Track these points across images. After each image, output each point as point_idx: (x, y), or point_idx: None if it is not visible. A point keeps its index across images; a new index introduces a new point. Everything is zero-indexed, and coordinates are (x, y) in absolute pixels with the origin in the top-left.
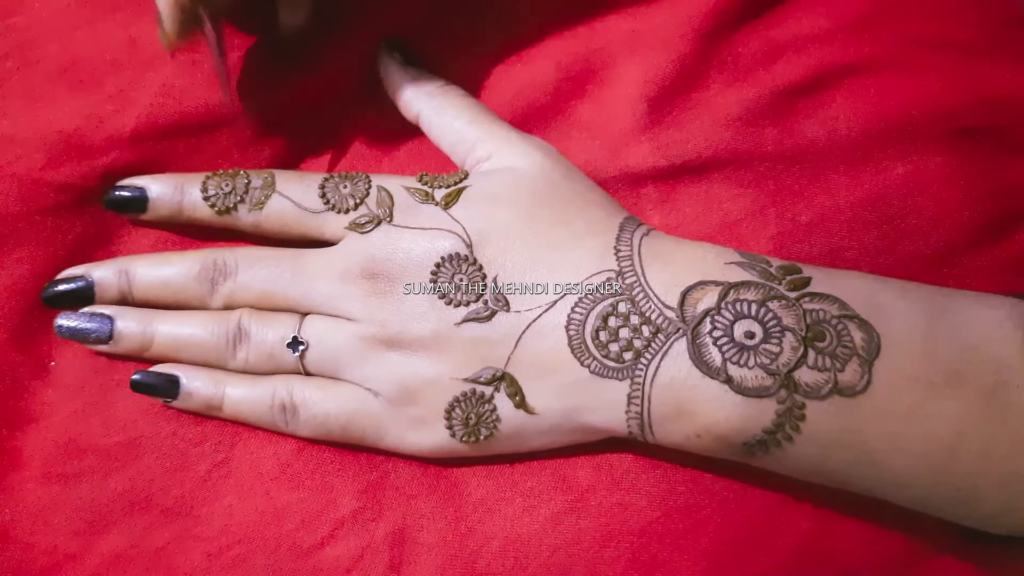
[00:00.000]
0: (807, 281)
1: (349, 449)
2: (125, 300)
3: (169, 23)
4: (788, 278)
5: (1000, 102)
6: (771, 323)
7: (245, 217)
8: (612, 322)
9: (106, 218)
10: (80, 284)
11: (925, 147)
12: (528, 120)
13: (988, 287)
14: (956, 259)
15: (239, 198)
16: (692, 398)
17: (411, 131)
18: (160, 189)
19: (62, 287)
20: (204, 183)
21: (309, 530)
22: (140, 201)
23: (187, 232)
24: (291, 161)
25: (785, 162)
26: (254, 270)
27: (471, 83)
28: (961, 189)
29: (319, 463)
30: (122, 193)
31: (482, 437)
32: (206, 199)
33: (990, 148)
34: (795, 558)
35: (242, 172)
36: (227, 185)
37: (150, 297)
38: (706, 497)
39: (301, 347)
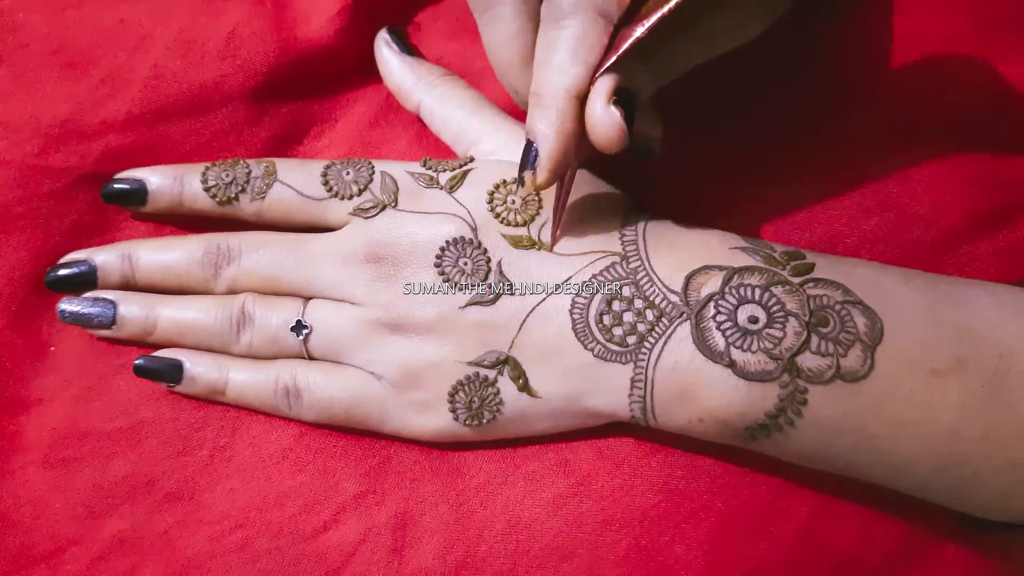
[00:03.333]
0: (811, 267)
1: (351, 434)
2: (128, 284)
3: (546, 172)
4: (792, 264)
5: (997, 97)
6: (775, 308)
7: (247, 207)
8: (616, 306)
9: (103, 202)
10: (83, 268)
11: (924, 139)
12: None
13: (986, 276)
14: (955, 248)
15: (240, 188)
16: (695, 382)
17: (411, 119)
18: (160, 181)
19: (65, 271)
20: (204, 173)
21: (311, 514)
22: (140, 193)
23: (186, 223)
24: (287, 145)
25: (785, 152)
26: (258, 254)
27: (471, 73)
28: (960, 180)
29: (321, 448)
30: (121, 186)
31: (485, 421)
32: (206, 189)
33: (987, 142)
34: (795, 544)
35: (242, 161)
36: (227, 175)
37: (153, 281)
38: (707, 483)
39: (305, 331)
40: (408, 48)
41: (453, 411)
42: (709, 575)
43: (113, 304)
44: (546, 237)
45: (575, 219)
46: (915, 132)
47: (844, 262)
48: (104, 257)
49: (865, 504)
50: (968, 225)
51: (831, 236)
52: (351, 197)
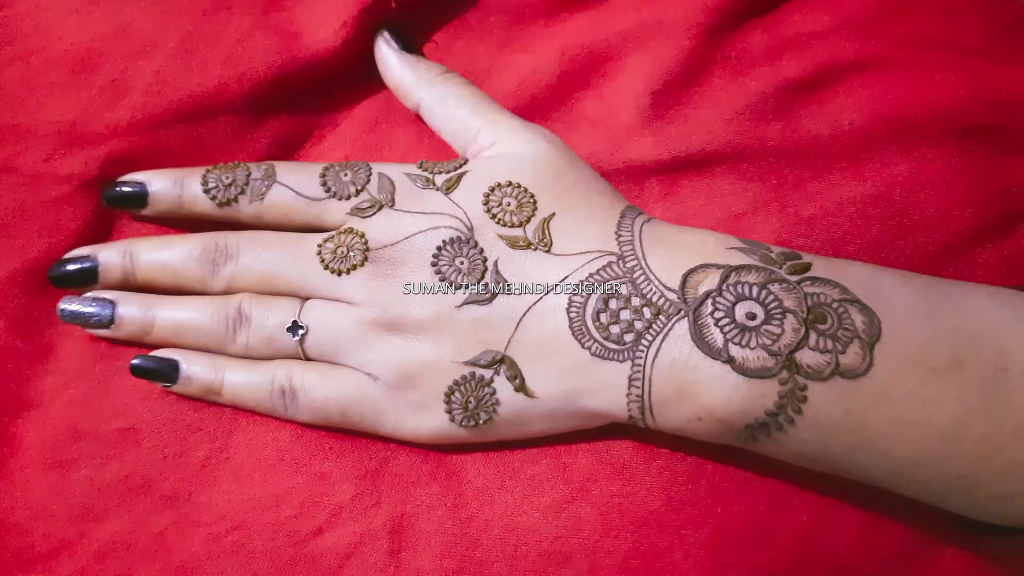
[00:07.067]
0: (807, 266)
1: (348, 436)
2: (128, 281)
3: None
4: (788, 263)
5: (1003, 102)
6: (772, 305)
7: (246, 208)
8: (613, 304)
9: (105, 207)
10: (86, 264)
11: (928, 144)
12: (531, 111)
13: (990, 284)
14: (958, 255)
15: (240, 189)
16: (693, 379)
17: (411, 120)
18: (160, 183)
19: (71, 267)
20: (204, 176)
21: (307, 516)
22: (140, 196)
23: (188, 226)
24: (288, 150)
25: (788, 157)
26: (256, 253)
27: (473, 72)
28: (963, 187)
29: (317, 450)
30: (123, 189)
31: (481, 421)
32: (206, 191)
33: (993, 147)
34: (795, 549)
35: (242, 164)
36: (227, 177)
37: (152, 278)
38: (707, 487)
39: (301, 331)
40: (408, 46)
41: (449, 412)
42: None
43: (112, 304)
44: (541, 238)
45: (571, 220)
46: (919, 138)
47: (841, 263)
48: (106, 254)
49: (865, 509)
50: (972, 232)
51: (833, 243)
52: (348, 198)
